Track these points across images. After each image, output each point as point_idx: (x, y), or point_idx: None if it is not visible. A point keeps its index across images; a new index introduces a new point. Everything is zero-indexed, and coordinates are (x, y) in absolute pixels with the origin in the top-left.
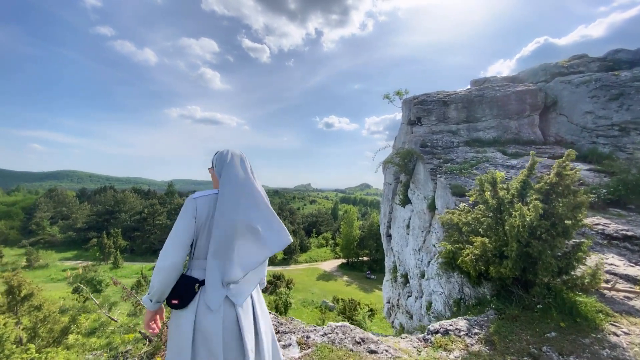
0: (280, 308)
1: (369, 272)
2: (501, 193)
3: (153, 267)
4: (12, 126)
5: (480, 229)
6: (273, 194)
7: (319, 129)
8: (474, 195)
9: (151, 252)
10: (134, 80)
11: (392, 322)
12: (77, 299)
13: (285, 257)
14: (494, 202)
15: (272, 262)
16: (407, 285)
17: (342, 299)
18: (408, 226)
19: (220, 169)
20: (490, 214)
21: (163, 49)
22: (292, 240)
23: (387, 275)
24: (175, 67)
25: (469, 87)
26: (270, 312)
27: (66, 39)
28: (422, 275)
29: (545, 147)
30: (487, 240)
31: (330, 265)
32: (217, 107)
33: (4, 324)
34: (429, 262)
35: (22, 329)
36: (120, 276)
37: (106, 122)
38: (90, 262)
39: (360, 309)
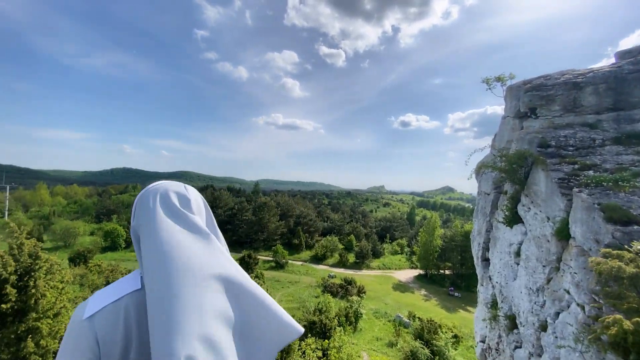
0: (350, 317)
1: (452, 288)
2: None
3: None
4: (150, 137)
5: None
6: (345, 195)
7: (394, 128)
8: None
9: (238, 244)
10: (231, 94)
11: None
12: None
13: (357, 260)
14: None
15: (344, 265)
16: (515, 332)
17: (419, 318)
18: (518, 254)
19: (137, 229)
20: None
21: (252, 65)
22: None
23: (483, 310)
24: (262, 79)
25: (613, 61)
26: None
27: (186, 65)
28: (543, 328)
29: None
30: None
31: (406, 275)
32: (297, 113)
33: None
34: (558, 313)
35: None
36: None
37: (211, 131)
38: None
39: (442, 333)
